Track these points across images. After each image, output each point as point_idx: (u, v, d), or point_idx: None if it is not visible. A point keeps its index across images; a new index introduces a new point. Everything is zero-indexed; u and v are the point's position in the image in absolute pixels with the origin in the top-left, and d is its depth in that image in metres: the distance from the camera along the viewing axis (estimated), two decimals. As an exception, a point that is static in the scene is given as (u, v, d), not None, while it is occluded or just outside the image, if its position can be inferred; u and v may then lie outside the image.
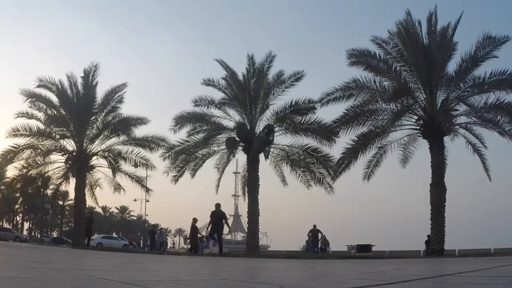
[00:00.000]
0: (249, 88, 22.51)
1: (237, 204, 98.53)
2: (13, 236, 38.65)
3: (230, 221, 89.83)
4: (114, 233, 78.23)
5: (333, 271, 4.00)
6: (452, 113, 19.06)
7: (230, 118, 22.60)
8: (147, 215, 63.87)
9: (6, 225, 63.41)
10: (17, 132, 23.97)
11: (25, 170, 25.29)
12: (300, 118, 21.66)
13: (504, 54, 18.16)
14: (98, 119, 25.33)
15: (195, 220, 18.67)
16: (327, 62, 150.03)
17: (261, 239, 26.60)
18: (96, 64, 25.63)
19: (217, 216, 15.46)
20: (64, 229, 78.27)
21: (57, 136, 25.02)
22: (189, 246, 21.45)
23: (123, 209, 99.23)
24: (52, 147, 25.09)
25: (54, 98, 24.90)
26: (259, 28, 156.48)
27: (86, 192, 25.79)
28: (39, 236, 62.86)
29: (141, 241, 31.19)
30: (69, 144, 25.35)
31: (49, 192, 35.17)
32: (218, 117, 22.56)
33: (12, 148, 24.24)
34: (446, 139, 19.17)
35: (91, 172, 26.00)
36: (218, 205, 15.74)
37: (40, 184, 29.55)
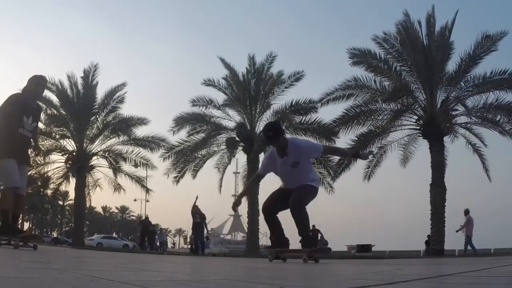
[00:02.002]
0: (249, 88, 22.55)
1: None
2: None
3: (230, 221, 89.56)
4: (114, 233, 78.26)
5: (333, 271, 4.01)
6: (452, 113, 19.05)
7: (230, 118, 22.67)
8: (147, 215, 63.92)
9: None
10: (17, 132, 23.96)
11: (25, 170, 25.29)
12: (300, 118, 21.70)
13: (505, 53, 18.17)
14: (98, 119, 25.32)
15: None
16: (327, 63, 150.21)
17: (261, 239, 26.55)
18: (96, 64, 25.60)
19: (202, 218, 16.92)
20: (64, 229, 78.32)
21: (57, 136, 25.01)
22: (188, 246, 21.55)
23: (123, 209, 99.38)
24: (52, 147, 25.07)
25: (54, 98, 24.88)
26: (259, 29, 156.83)
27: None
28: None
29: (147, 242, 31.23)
30: (69, 144, 25.35)
31: (49, 192, 35.18)
32: (218, 117, 22.63)
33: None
34: (446, 139, 19.16)
35: (91, 172, 26.03)
36: (197, 207, 16.67)
37: (40, 184, 29.56)
